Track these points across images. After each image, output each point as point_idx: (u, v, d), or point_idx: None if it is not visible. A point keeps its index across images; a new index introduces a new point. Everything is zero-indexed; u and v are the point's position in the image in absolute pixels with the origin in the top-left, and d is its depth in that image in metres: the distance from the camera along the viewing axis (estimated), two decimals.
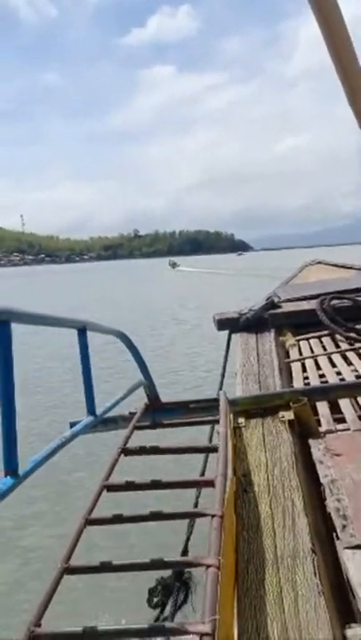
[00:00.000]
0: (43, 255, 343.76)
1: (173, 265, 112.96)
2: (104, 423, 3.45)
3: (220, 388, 5.01)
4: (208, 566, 1.65)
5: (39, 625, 1.51)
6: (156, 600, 4.43)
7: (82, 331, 2.43)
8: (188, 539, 4.67)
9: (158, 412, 3.61)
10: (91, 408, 2.48)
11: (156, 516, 2.09)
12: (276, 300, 6.38)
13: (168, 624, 1.53)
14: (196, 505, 4.25)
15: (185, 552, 4.52)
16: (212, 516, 1.93)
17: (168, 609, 4.11)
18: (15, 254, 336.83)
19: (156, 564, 1.77)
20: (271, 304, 6.11)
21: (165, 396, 3.82)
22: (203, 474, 4.29)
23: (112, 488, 2.32)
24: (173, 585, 4.35)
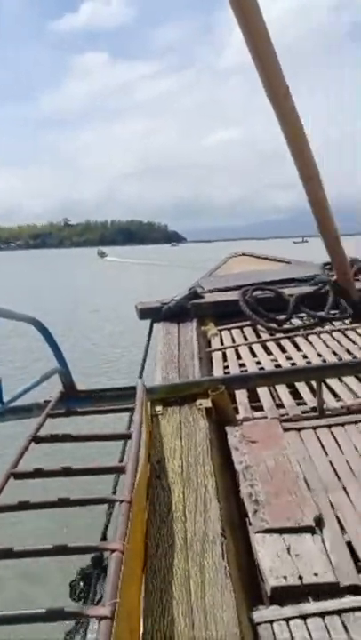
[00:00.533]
0: None
1: (102, 254, 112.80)
2: (15, 411, 3.36)
3: (141, 377, 4.99)
4: (113, 551, 1.62)
5: None
6: (78, 592, 4.39)
7: None
8: (106, 525, 4.65)
9: (74, 400, 3.55)
10: None
11: (64, 502, 2.04)
12: (199, 290, 6.40)
13: (67, 608, 1.49)
14: (114, 492, 4.22)
15: (104, 538, 4.50)
16: (120, 501, 1.90)
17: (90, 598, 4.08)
18: None
19: (60, 550, 1.73)
20: (194, 294, 6.12)
21: (85, 385, 3.77)
22: (121, 461, 4.27)
23: (19, 475, 2.26)
24: (93, 573, 4.32)
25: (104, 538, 4.49)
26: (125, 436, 2.64)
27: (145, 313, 5.94)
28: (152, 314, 5.87)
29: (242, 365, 4.77)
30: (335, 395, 3.94)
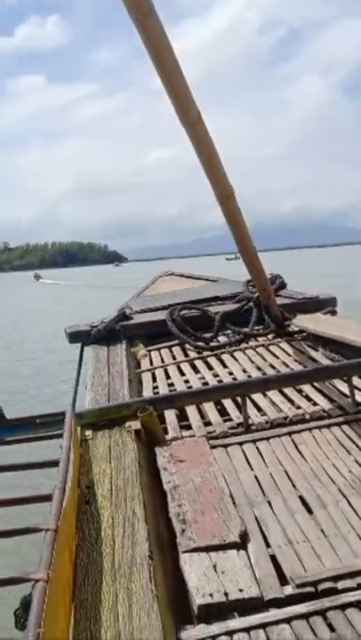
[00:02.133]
0: None
1: (37, 277, 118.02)
2: None
3: (74, 402, 5.00)
4: (37, 580, 1.65)
5: None
6: (22, 621, 4.31)
7: None
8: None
9: (3, 429, 3.55)
10: None
11: None
12: (128, 311, 6.46)
13: None
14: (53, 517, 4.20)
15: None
16: (46, 530, 1.93)
17: None
18: None
19: None
20: (123, 315, 6.18)
21: (16, 413, 3.77)
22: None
23: None
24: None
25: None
26: (53, 464, 2.67)
27: (75, 336, 5.95)
28: (82, 337, 5.89)
29: (171, 385, 4.85)
30: (260, 409, 4.06)
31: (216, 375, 4.97)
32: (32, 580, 1.67)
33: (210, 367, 5.21)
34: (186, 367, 5.23)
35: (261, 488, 3.06)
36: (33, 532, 2.00)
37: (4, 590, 1.86)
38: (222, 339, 5.93)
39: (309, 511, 2.83)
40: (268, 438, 3.62)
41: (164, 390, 4.71)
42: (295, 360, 5.08)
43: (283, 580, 2.36)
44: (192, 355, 5.54)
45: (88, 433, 3.55)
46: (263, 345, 5.57)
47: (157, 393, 4.65)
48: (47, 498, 2.26)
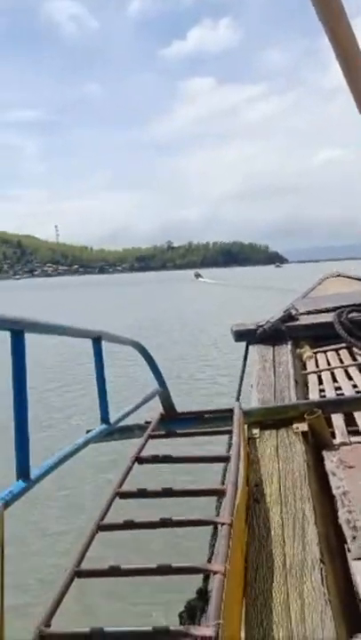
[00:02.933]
0: (76, 266, 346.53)
1: (197, 276, 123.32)
2: (120, 432, 3.51)
3: (238, 399, 5.05)
4: (215, 572, 1.68)
5: (49, 625, 1.56)
6: (184, 623, 4.41)
7: (96, 340, 2.49)
8: (213, 546, 4.68)
9: (173, 421, 3.66)
10: (105, 416, 2.53)
11: (166, 523, 2.13)
12: (293, 312, 6.39)
13: (173, 627, 1.56)
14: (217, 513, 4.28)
15: (210, 560, 4.53)
16: (222, 524, 1.97)
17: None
18: (49, 265, 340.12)
19: (163, 570, 1.81)
20: (289, 316, 6.14)
21: (183, 406, 3.88)
22: (222, 483, 4.33)
23: (124, 495, 2.37)
24: (197, 606, 4.33)
25: (210, 559, 4.54)
26: (224, 459, 2.71)
27: (240, 335, 6.00)
28: (247, 336, 5.92)
29: (338, 388, 4.73)
30: None
31: None
32: (210, 570, 1.71)
33: None
34: (354, 371, 5.08)
35: None
36: (209, 524, 2.04)
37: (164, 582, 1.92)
38: None
39: None
40: None
41: (330, 394, 4.61)
42: None
43: None
44: (360, 359, 5.38)
45: (255, 431, 3.58)
46: None
47: (324, 396, 4.57)
48: (220, 492, 2.30)
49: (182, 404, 3.94)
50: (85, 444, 2.14)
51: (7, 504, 1.39)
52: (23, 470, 1.56)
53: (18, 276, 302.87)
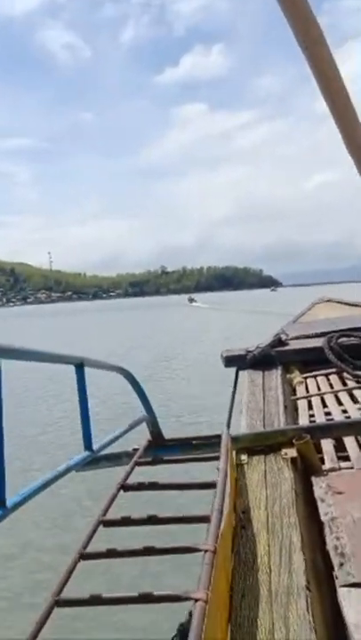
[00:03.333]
0: (70, 292, 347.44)
1: (191, 300, 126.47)
2: (107, 459, 3.49)
3: (228, 425, 5.03)
4: (196, 600, 1.66)
5: None
6: None
7: (79, 366, 2.48)
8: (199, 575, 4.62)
9: (161, 448, 3.64)
10: (88, 443, 2.52)
11: (150, 551, 2.11)
12: (283, 337, 6.41)
13: None
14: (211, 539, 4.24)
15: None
16: (205, 551, 1.95)
17: None
18: (42, 292, 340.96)
19: (145, 598, 1.79)
20: (278, 341, 6.15)
21: (172, 433, 3.86)
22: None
23: (108, 523, 2.35)
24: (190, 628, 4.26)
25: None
26: (210, 485, 2.69)
27: (230, 360, 6.00)
28: (237, 361, 5.93)
29: (328, 414, 4.73)
30: None
31: None
32: (192, 598, 1.69)
33: None
34: (344, 396, 5.08)
35: None
36: (192, 551, 2.02)
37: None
38: None
39: None
40: None
41: (320, 419, 4.61)
42: None
43: None
44: (351, 384, 5.37)
45: (243, 457, 3.56)
46: None
47: (314, 421, 4.56)
48: (204, 519, 2.28)
49: (171, 431, 3.93)
50: (67, 471, 2.12)
51: None
52: None
53: (11, 304, 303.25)
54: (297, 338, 6.56)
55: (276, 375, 5.48)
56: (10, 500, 1.56)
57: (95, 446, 2.57)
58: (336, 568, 2.55)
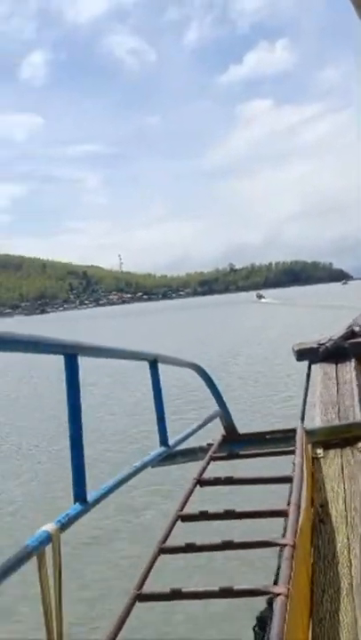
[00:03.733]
0: (140, 293, 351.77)
1: (259, 297, 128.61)
2: (182, 454, 3.51)
3: (302, 419, 4.97)
4: (277, 595, 1.65)
5: None
6: (261, 637, 4.35)
7: (153, 363, 2.51)
8: (279, 568, 4.60)
9: (235, 442, 3.64)
10: (163, 439, 2.54)
11: (228, 546, 2.11)
12: (356, 329, 6.27)
13: None
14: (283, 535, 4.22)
15: (276, 581, 4.45)
16: (284, 545, 1.94)
17: None
18: (114, 293, 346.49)
19: (226, 593, 1.79)
20: (351, 333, 6.02)
21: (245, 427, 3.85)
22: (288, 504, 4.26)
23: (186, 518, 2.37)
24: (269, 617, 4.25)
25: (276, 581, 4.46)
26: (287, 479, 2.67)
27: (302, 354, 5.92)
28: (309, 355, 5.84)
29: None
30: None
31: None
32: (273, 593, 1.68)
33: None
34: None
35: None
36: (271, 545, 2.01)
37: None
38: None
39: None
40: None
41: None
42: None
43: None
44: None
45: (319, 451, 3.52)
46: None
47: None
48: (282, 513, 2.27)
49: (244, 426, 3.92)
50: (143, 467, 2.15)
51: (63, 527, 1.41)
52: (80, 493, 1.58)
53: (84, 306, 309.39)
54: None
55: (349, 368, 5.37)
56: (90, 494, 1.60)
57: (170, 442, 2.59)
58: None
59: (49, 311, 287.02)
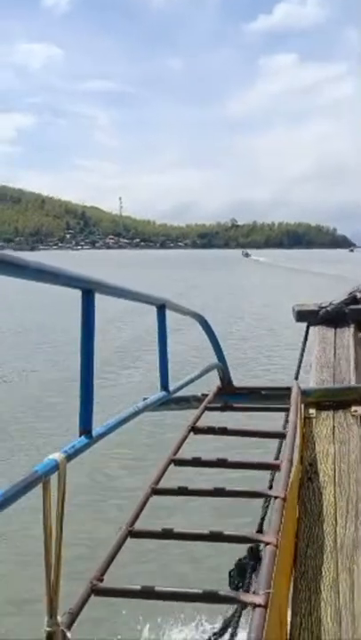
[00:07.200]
0: (138, 239, 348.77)
1: (246, 255, 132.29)
2: (177, 402, 3.54)
3: (296, 379, 5.01)
4: (267, 543, 1.69)
5: (102, 580, 1.61)
6: (236, 582, 4.49)
7: (161, 308, 2.50)
8: (262, 518, 4.71)
9: (230, 395, 3.67)
10: (164, 384, 2.55)
11: (220, 492, 2.15)
12: (358, 295, 6.26)
13: (223, 592, 1.58)
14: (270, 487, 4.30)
15: (260, 530, 4.56)
16: (275, 497, 1.97)
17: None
18: (110, 237, 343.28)
19: (216, 537, 1.83)
20: (353, 299, 6.01)
21: (238, 381, 3.88)
22: (276, 459, 4.32)
23: (179, 462, 2.40)
24: (248, 564, 4.38)
25: (260, 530, 4.56)
26: (280, 435, 2.70)
27: (302, 315, 5.91)
28: (309, 317, 5.84)
29: None
30: None
31: None
32: (263, 541, 1.72)
33: None
34: None
35: None
36: (262, 496, 2.05)
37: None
38: None
39: None
40: None
41: None
42: None
43: None
44: None
45: (312, 411, 3.55)
46: None
47: None
48: (274, 467, 2.30)
49: (239, 380, 3.94)
50: (145, 407, 2.17)
51: (69, 457, 1.43)
52: (86, 427, 1.59)
53: (79, 247, 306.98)
54: None
55: (348, 333, 5.39)
56: (95, 430, 1.61)
57: (171, 388, 2.61)
58: None
59: (41, 248, 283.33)
